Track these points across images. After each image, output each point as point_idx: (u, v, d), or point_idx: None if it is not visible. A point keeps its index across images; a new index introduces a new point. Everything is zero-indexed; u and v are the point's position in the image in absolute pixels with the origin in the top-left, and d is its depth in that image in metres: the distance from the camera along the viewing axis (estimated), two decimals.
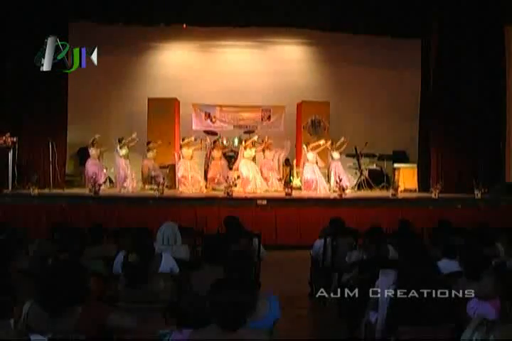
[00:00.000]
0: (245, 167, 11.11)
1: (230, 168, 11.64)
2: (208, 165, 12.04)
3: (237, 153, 12.37)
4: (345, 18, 11.70)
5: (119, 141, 11.12)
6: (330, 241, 5.71)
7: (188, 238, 5.47)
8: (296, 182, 11.72)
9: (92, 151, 11.59)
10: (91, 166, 11.41)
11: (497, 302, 2.74)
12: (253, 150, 11.33)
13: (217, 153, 11.68)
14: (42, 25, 10.58)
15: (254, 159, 11.41)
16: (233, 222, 5.89)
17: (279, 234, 9.18)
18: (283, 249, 8.41)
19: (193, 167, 11.19)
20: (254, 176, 10.99)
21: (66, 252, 4.12)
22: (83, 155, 12.98)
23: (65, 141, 11.64)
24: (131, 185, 11.04)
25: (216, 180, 11.33)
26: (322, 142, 11.39)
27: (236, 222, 5.91)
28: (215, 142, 12.32)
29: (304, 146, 11.41)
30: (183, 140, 11.41)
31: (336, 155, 11.46)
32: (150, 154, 11.80)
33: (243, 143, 11.68)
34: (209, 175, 11.52)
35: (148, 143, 11.82)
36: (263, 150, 11.65)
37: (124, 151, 11.12)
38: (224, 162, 11.73)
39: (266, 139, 11.88)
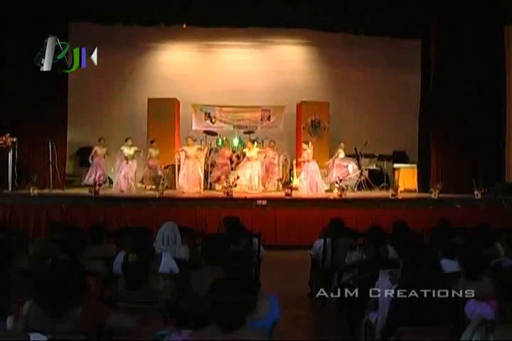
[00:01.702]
0: (244, 167, 11.13)
1: (232, 168, 11.68)
2: (208, 165, 12.06)
3: (237, 153, 12.44)
4: (345, 19, 11.69)
5: (126, 141, 11.33)
6: (330, 241, 5.71)
7: (188, 238, 5.47)
8: (296, 182, 11.71)
9: (98, 151, 11.66)
10: (97, 165, 11.50)
11: (495, 302, 2.74)
12: (254, 150, 11.33)
13: (227, 153, 11.70)
14: (42, 25, 10.57)
15: (257, 159, 11.39)
16: (233, 222, 5.88)
17: (278, 234, 9.17)
18: (283, 249, 8.41)
19: (195, 166, 11.20)
20: (252, 176, 10.98)
21: (66, 252, 4.11)
22: (83, 155, 13.04)
23: (65, 141, 11.64)
24: (129, 185, 11.08)
25: (221, 179, 11.35)
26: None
27: (236, 222, 5.91)
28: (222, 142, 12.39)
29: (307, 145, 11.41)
30: (186, 140, 11.51)
31: (342, 155, 11.60)
32: (154, 153, 11.79)
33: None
34: (216, 174, 11.48)
35: (152, 141, 11.80)
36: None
37: (127, 152, 11.23)
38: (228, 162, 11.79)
39: (270, 142, 11.91)
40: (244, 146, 11.94)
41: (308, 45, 14.19)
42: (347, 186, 10.82)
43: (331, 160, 11.83)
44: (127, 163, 11.21)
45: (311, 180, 11.06)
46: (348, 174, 11.60)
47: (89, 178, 11.36)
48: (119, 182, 11.10)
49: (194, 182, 11.04)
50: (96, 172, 11.30)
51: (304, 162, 11.31)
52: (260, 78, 13.81)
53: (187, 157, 11.19)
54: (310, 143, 11.44)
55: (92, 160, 11.86)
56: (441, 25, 11.41)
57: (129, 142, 11.35)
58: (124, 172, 11.13)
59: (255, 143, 11.82)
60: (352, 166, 11.73)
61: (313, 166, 11.20)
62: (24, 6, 10.77)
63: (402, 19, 11.51)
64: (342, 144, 11.87)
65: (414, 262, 3.31)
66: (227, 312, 2.34)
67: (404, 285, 3.17)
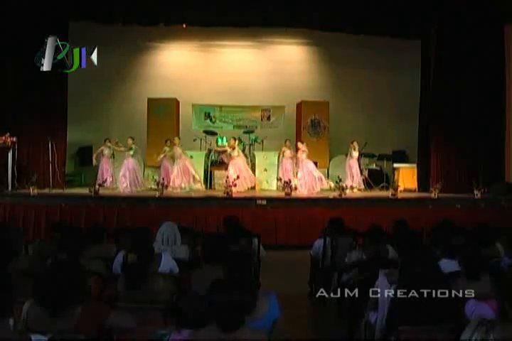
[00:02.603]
0: (232, 167, 11.12)
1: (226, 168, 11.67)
2: (208, 166, 12.04)
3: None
4: (345, 19, 11.69)
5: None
6: (330, 241, 5.71)
7: (188, 238, 5.47)
8: (295, 181, 11.70)
9: (105, 151, 11.61)
10: (104, 166, 11.44)
11: (495, 302, 2.74)
12: (236, 149, 11.34)
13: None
14: (42, 25, 10.58)
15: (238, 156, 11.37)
16: (233, 222, 5.89)
17: (278, 234, 9.18)
18: (283, 249, 8.42)
19: (187, 166, 11.17)
20: (239, 175, 10.92)
21: (66, 252, 4.11)
22: (83, 155, 13.02)
23: (65, 141, 11.65)
24: (125, 184, 11.07)
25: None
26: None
27: (236, 222, 5.91)
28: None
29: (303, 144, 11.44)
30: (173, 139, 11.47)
31: (355, 153, 11.66)
32: (170, 154, 11.62)
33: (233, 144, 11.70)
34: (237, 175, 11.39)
35: (167, 141, 11.65)
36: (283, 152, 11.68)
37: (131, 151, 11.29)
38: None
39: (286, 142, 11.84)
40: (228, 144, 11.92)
41: (308, 45, 14.19)
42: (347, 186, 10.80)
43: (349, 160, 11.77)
44: (125, 161, 11.23)
45: (309, 179, 11.07)
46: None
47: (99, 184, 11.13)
48: (120, 181, 11.13)
49: (187, 179, 11.02)
50: (103, 175, 11.25)
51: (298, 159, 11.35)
52: (260, 78, 13.81)
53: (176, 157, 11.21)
54: (304, 143, 11.45)
55: (95, 160, 11.68)
56: (441, 25, 11.42)
57: (129, 141, 11.34)
58: (122, 171, 11.18)
59: (236, 140, 11.77)
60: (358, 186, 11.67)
61: (309, 165, 11.22)
62: (24, 6, 10.78)
63: (402, 19, 11.50)
64: (355, 144, 11.71)
65: (410, 262, 3.31)
66: (226, 312, 2.34)
67: (402, 285, 3.17)
